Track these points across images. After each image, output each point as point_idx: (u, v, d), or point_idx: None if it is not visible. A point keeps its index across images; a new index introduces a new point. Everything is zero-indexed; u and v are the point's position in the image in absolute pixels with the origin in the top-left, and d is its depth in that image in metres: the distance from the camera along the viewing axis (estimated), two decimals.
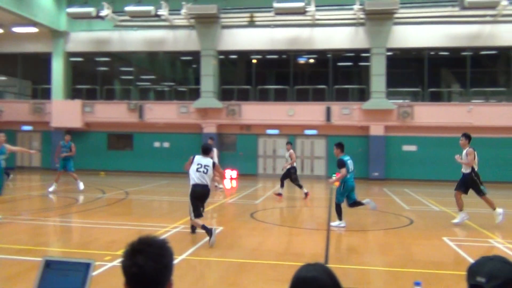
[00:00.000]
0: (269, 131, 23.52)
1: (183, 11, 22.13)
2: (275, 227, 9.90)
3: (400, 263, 6.89)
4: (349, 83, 24.70)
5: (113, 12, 22.78)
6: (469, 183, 9.90)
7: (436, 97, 23.11)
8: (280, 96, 23.96)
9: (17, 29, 23.85)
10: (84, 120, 24.37)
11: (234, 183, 20.48)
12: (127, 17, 22.88)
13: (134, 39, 24.44)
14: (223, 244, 7.84)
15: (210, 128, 23.23)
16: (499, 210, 9.85)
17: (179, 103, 23.84)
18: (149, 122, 23.78)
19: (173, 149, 23.78)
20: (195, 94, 24.13)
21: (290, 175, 14.39)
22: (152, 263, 1.71)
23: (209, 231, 7.60)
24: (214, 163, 8.21)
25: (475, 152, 9.90)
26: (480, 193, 9.84)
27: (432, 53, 23.00)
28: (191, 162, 8.13)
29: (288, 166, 14.36)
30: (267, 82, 25.88)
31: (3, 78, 29.16)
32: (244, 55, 25.15)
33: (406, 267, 6.67)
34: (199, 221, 7.93)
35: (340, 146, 9.68)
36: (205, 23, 23.02)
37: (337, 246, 8.03)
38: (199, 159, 8.16)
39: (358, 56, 24.16)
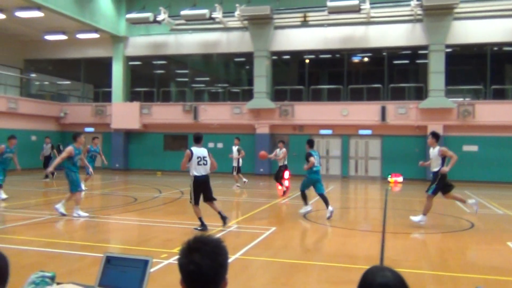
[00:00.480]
0: (322, 131, 23.29)
1: (237, 13, 22.40)
2: (328, 228, 9.81)
3: (459, 268, 6.61)
4: (406, 81, 24.01)
5: (169, 16, 23.47)
6: (436, 178, 9.55)
7: (499, 95, 21.96)
8: (334, 96, 23.67)
9: (80, 36, 25.09)
10: (141, 122, 25.25)
11: (287, 183, 20.42)
12: (182, 21, 23.48)
13: (189, 42, 25.01)
14: (275, 245, 7.86)
15: (263, 128, 23.35)
16: (421, 218, 9.68)
17: (233, 104, 24.14)
18: (203, 123, 24.24)
19: (226, 149, 24.00)
20: (248, 95, 24.34)
21: (280, 171, 15.33)
22: (209, 261, 1.73)
23: (204, 227, 8.66)
24: (209, 152, 8.91)
25: None
26: (429, 190, 9.58)
27: (495, 48, 21.90)
28: (191, 156, 8.63)
29: (280, 163, 15.37)
30: (320, 82, 25.66)
31: (67, 82, 30.78)
32: (297, 55, 25.07)
33: (466, 272, 6.40)
34: (199, 210, 8.78)
35: (308, 142, 11.16)
36: (258, 24, 23.17)
37: (393, 249, 7.82)
38: (197, 151, 8.74)
39: (415, 54, 23.41)
